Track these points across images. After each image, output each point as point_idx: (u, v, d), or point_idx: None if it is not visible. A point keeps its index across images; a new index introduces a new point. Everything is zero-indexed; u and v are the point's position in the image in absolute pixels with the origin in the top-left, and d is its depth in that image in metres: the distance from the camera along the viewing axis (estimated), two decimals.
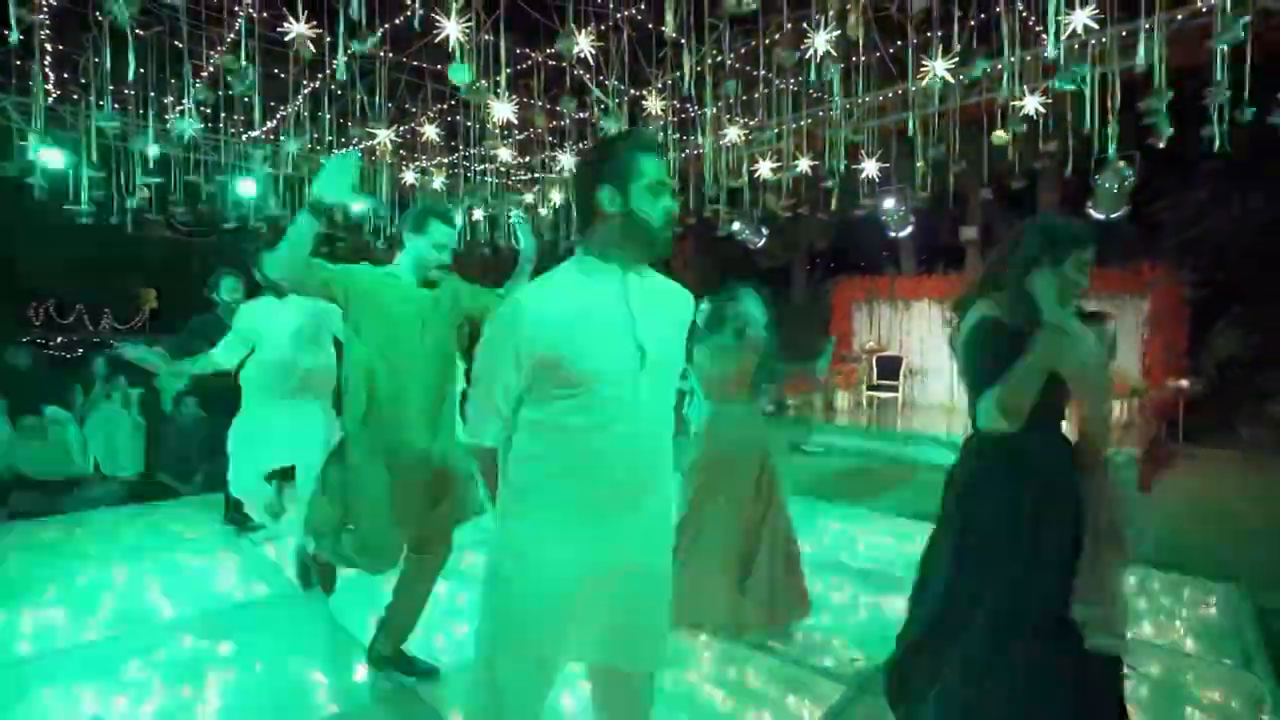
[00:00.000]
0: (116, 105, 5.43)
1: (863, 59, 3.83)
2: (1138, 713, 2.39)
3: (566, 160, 4.68)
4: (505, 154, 4.67)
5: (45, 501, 4.82)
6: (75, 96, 5.47)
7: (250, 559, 3.82)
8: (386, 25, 3.30)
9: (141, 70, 4.47)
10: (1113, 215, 4.48)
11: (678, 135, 4.96)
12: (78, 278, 22.74)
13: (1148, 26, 3.38)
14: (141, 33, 4.22)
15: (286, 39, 3.34)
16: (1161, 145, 3.53)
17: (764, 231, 6.44)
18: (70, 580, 3.43)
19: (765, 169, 4.47)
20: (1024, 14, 3.70)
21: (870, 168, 4.32)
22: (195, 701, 2.36)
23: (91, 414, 5.89)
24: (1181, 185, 9.83)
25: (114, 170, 5.84)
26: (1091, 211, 4.52)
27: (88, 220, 5.84)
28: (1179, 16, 3.81)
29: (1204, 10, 3.68)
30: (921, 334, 11.21)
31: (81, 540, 4.11)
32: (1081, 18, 2.89)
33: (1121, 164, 4.13)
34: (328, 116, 4.84)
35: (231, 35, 3.83)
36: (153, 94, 5.03)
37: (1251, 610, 3.21)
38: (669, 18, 2.58)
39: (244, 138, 6.00)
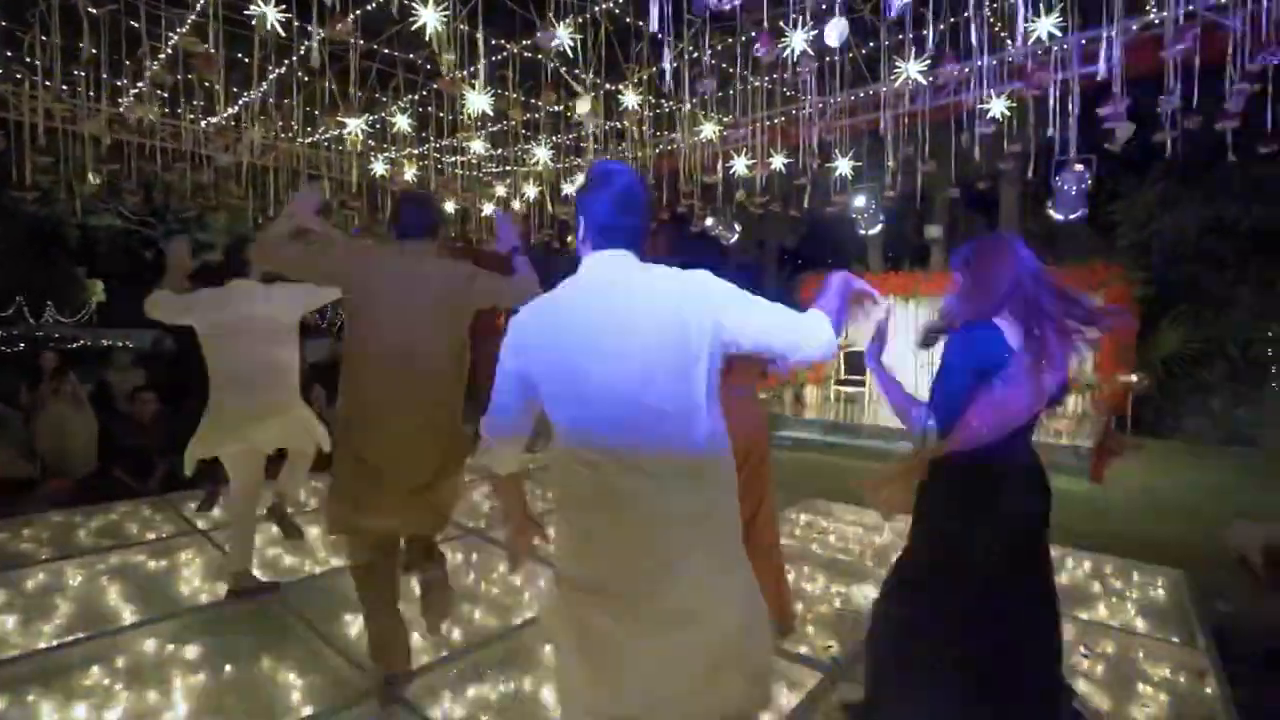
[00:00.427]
0: (65, 87, 5.18)
1: (836, 59, 3.90)
2: (1093, 688, 2.53)
3: (542, 153, 4.64)
4: (478, 145, 4.61)
5: None
6: (19, 75, 5.20)
7: (214, 559, 3.70)
8: (358, 11, 3.21)
9: (94, 50, 4.27)
10: (1071, 216, 4.65)
11: (653, 131, 4.98)
12: (19, 267, 21.62)
13: (1108, 35, 3.52)
14: (94, 10, 4.03)
15: (252, 21, 3.23)
16: (1118, 150, 3.68)
17: (737, 228, 6.50)
18: (21, 585, 3.28)
19: (740, 165, 4.51)
20: (991, 20, 3.81)
21: (844, 166, 4.40)
22: (164, 708, 2.29)
23: (39, 411, 5.61)
24: (1133, 189, 10.28)
25: (62, 155, 5.57)
26: (1052, 212, 4.68)
27: (33, 207, 5.55)
28: (1134, 27, 3.97)
29: (1157, 22, 3.85)
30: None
31: (31, 543, 3.94)
32: (1046, 25, 3.01)
33: (1080, 167, 4.29)
34: (294, 103, 4.68)
35: (193, 16, 3.67)
36: (105, 75, 4.80)
37: (1194, 592, 3.41)
38: (653, 10, 2.57)
39: (204, 124, 5.78)
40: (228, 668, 2.54)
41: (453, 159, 6.08)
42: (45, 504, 4.77)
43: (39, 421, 5.55)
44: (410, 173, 5.65)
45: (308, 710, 2.29)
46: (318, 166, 6.07)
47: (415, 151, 5.65)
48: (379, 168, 5.34)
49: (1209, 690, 2.53)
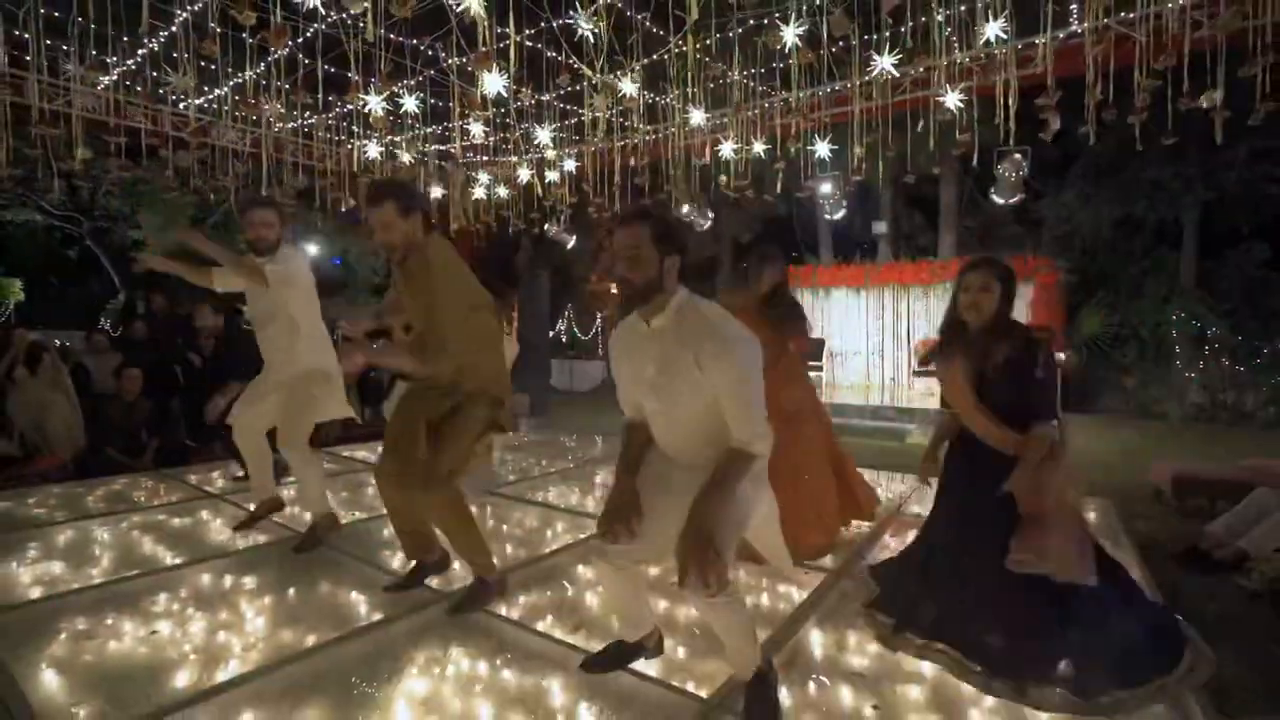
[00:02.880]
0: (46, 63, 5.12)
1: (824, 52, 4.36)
2: None
3: (544, 136, 4.91)
4: (478, 129, 4.85)
5: None
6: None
7: (237, 517, 3.83)
8: None
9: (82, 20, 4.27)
10: (1011, 201, 5.30)
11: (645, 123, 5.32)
12: None
13: (1040, 40, 4.12)
14: None
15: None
16: (1049, 140, 4.29)
17: (710, 215, 6.93)
18: (51, 541, 3.35)
19: (727, 149, 4.94)
20: (947, 25, 4.36)
21: (822, 148, 4.89)
22: (241, 621, 2.48)
23: (15, 390, 5.50)
24: (1055, 190, 11.36)
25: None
26: (994, 196, 5.31)
27: None
28: (1059, 35, 4.63)
29: (1079, 30, 4.50)
30: (840, 319, 12.20)
31: (42, 509, 3.96)
32: (993, 29, 3.56)
33: (1017, 155, 4.92)
34: (290, 86, 4.79)
35: None
36: (94, 51, 4.80)
37: (1118, 515, 4.05)
38: None
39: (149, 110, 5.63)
40: (291, 591, 2.75)
41: (444, 147, 6.27)
42: (35, 481, 4.73)
43: (15, 400, 5.44)
44: (407, 156, 5.81)
45: (378, 616, 2.54)
46: (305, 154, 6.14)
47: (422, 132, 5.77)
48: (372, 151, 5.49)
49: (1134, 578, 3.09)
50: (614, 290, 17.25)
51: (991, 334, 2.21)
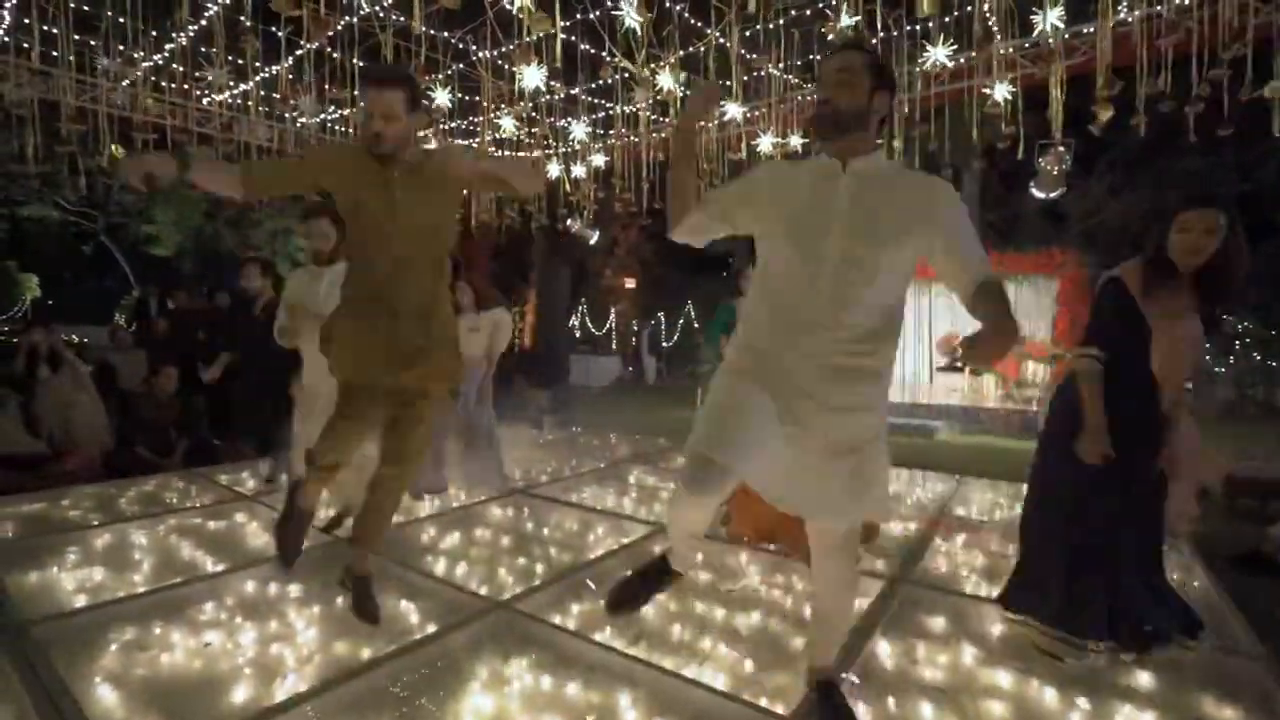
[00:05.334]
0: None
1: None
2: None
3: (579, 131, 4.82)
4: (509, 122, 4.75)
5: None
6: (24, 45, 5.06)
7: (272, 519, 3.78)
8: None
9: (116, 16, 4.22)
10: (1051, 195, 5.16)
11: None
12: None
13: (1090, 30, 3.98)
14: None
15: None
16: (1098, 133, 4.16)
17: None
18: (89, 545, 3.31)
19: (766, 142, 4.84)
20: (989, 17, 4.24)
21: None
22: (293, 633, 2.42)
23: (39, 388, 5.49)
24: (1081, 182, 11.15)
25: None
26: (1034, 191, 5.18)
27: None
28: (1110, 23, 4.48)
29: (1130, 20, 4.36)
30: None
31: (78, 511, 3.92)
32: (1051, 18, 3.44)
33: (1061, 148, 4.78)
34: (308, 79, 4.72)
35: None
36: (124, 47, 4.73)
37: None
38: None
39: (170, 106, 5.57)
40: (339, 600, 2.69)
41: (469, 142, 6.19)
42: (66, 480, 4.70)
43: (41, 400, 5.42)
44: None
45: (431, 628, 2.47)
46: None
47: (447, 126, 5.71)
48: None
49: (1196, 583, 3.01)
50: (629, 285, 17.06)
51: (1219, 277, 2.09)
